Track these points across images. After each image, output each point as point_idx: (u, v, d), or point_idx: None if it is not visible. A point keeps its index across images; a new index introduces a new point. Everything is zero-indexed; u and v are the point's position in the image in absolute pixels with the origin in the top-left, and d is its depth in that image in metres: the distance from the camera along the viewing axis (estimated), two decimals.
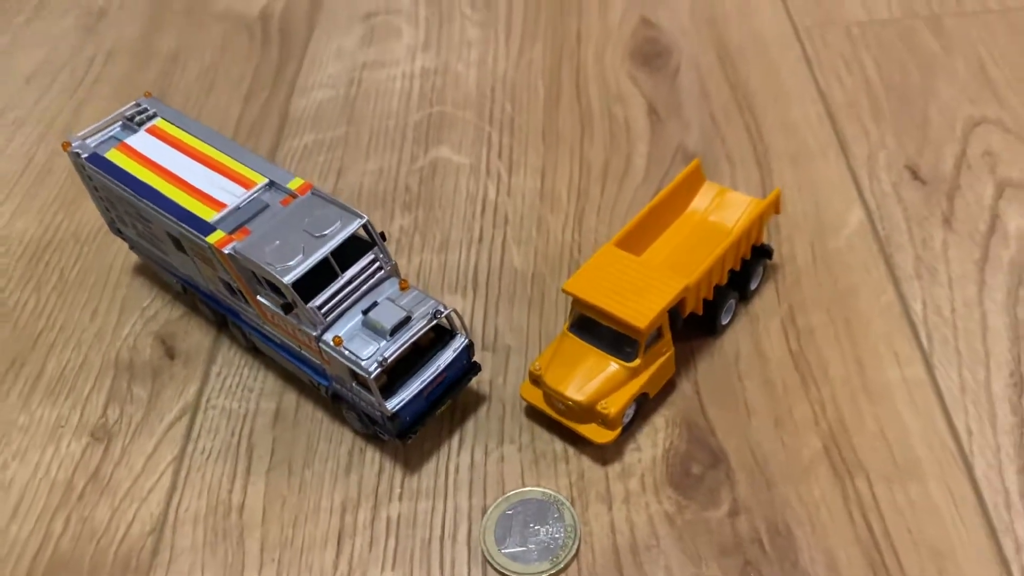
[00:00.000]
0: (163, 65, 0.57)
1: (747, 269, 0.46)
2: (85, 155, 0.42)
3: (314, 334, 0.42)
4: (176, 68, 0.56)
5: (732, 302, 0.46)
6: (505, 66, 0.54)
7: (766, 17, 0.53)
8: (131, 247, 0.46)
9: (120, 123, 0.43)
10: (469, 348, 0.47)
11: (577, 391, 0.47)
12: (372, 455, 0.43)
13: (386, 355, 0.44)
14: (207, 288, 0.42)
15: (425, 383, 0.45)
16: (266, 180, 0.41)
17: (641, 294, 0.47)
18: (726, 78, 0.50)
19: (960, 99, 0.46)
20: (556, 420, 0.48)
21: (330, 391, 0.48)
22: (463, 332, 0.47)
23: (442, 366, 0.46)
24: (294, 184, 0.39)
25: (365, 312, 0.45)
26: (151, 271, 0.44)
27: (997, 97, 0.47)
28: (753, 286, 0.45)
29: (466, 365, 0.49)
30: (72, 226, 0.47)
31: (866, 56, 0.50)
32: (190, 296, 0.44)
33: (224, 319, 0.44)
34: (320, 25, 0.56)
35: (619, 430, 0.48)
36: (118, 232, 0.46)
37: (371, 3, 0.59)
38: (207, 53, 0.57)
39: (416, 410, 0.47)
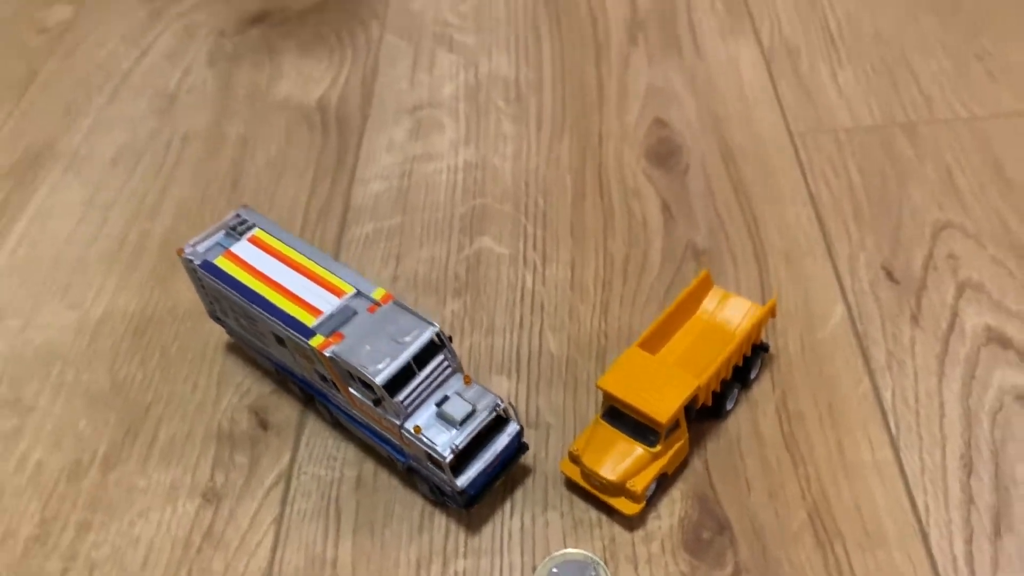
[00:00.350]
0: (234, 151, 0.64)
1: (748, 363, 0.54)
2: (197, 262, 0.49)
3: (397, 423, 0.50)
4: (246, 154, 0.63)
5: (735, 391, 0.54)
6: (536, 161, 0.60)
7: (765, 121, 0.59)
8: (228, 332, 0.53)
9: (224, 231, 0.50)
10: (520, 433, 0.56)
11: (610, 472, 0.54)
12: (440, 519, 0.50)
13: (457, 443, 0.51)
14: (300, 374, 0.49)
15: (487, 463, 0.54)
16: (354, 290, 0.47)
17: (661, 391, 0.54)
18: (729, 178, 0.57)
19: (929, 204, 0.53)
20: (591, 493, 0.54)
21: (406, 466, 0.57)
22: (515, 419, 0.53)
23: (499, 449, 0.53)
24: (377, 294, 0.46)
25: (438, 404, 0.52)
26: (241, 350, 0.51)
27: (961, 203, 0.53)
28: (752, 376, 0.52)
29: (517, 446, 0.55)
30: (168, 303, 0.53)
31: (851, 161, 0.57)
32: (280, 376, 0.51)
33: (311, 397, 0.51)
34: (372, 117, 0.63)
35: (644, 503, 0.54)
36: (217, 319, 0.53)
37: (416, 97, 0.65)
38: (273, 141, 0.64)
39: (479, 484, 0.54)
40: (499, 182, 0.56)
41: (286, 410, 0.47)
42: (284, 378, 0.49)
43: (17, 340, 0.51)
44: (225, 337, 0.50)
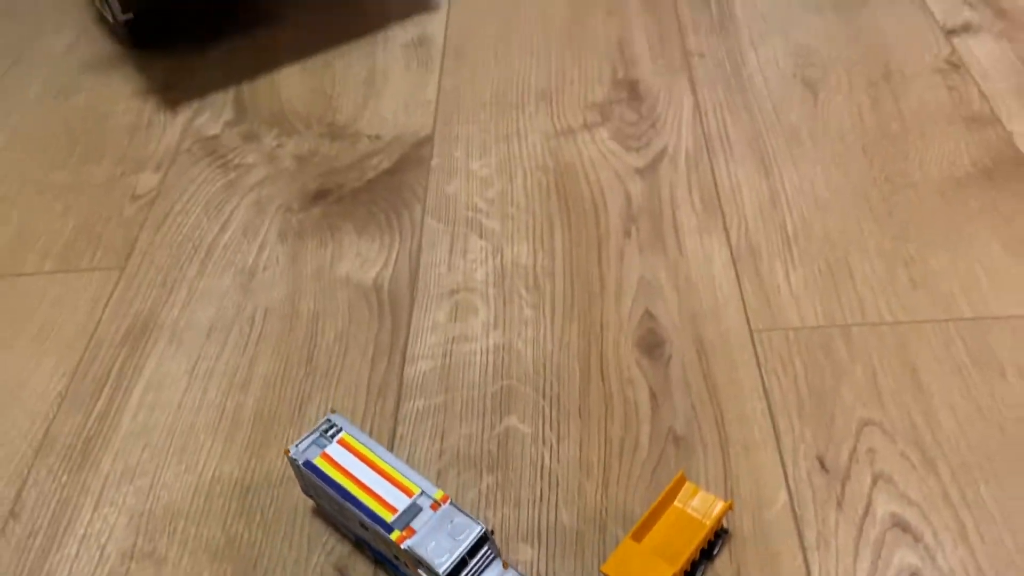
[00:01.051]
0: (307, 326, 0.77)
1: (711, 544, 0.67)
2: (301, 461, 0.63)
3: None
4: (317, 329, 0.76)
5: (703, 566, 0.67)
6: (551, 346, 0.74)
7: (732, 319, 0.73)
8: (315, 504, 0.66)
9: (319, 433, 0.63)
10: None
11: None
12: None
13: None
14: (376, 547, 0.63)
15: None
16: (419, 490, 0.61)
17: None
18: (702, 370, 0.70)
19: (856, 402, 0.66)
20: None
21: None
22: None
23: None
24: (438, 495, 0.59)
25: None
26: (324, 515, 0.64)
27: (881, 403, 0.67)
28: (715, 553, 0.65)
29: None
30: (263, 470, 0.67)
31: (797, 359, 0.71)
32: (357, 541, 0.65)
33: (381, 561, 0.65)
34: (418, 299, 0.76)
35: None
36: (308, 495, 0.67)
37: (453, 280, 0.79)
38: (339, 317, 0.77)
39: None
40: (521, 364, 0.69)
41: (362, 568, 0.61)
42: (363, 545, 0.62)
43: (147, 498, 0.64)
44: (311, 503, 0.63)
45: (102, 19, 1.09)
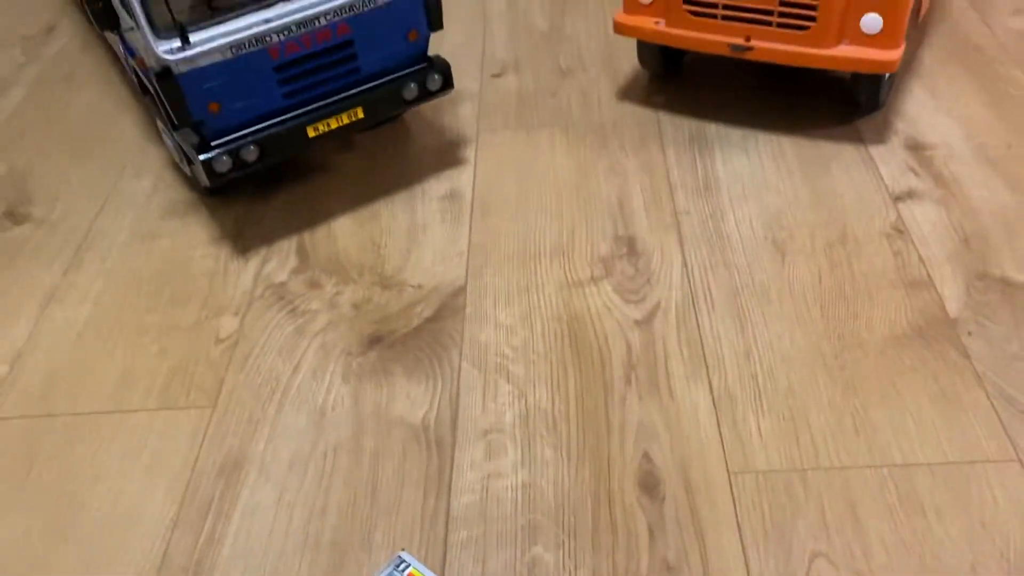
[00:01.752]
0: (370, 461, 0.93)
1: None
2: None
3: None
4: (379, 465, 0.92)
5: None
6: (568, 484, 0.90)
7: (713, 462, 0.88)
8: None
9: (393, 566, 0.79)
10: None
11: None
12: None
13: None
14: None
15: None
16: None
17: None
18: (689, 508, 0.86)
19: (808, 537, 0.83)
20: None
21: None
22: None
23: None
24: None
25: None
26: None
27: (828, 538, 0.83)
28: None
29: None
30: None
31: (764, 499, 0.86)
32: None
33: None
34: (459, 438, 0.93)
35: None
36: None
37: (487, 421, 0.95)
38: (396, 455, 0.93)
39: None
40: (544, 499, 0.86)
41: None
42: None
43: None
44: None
45: (175, 165, 1.27)
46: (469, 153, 1.25)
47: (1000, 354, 0.91)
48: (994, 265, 1.00)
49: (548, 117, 1.30)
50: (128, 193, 1.25)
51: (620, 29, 1.13)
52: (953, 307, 0.96)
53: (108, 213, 1.22)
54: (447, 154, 1.25)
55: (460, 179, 1.21)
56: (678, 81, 1.30)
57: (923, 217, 1.07)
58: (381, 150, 1.26)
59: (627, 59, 1.36)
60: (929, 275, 1.00)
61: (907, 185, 1.12)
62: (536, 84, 1.37)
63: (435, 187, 1.20)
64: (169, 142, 1.16)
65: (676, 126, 1.24)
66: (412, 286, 1.06)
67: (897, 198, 1.10)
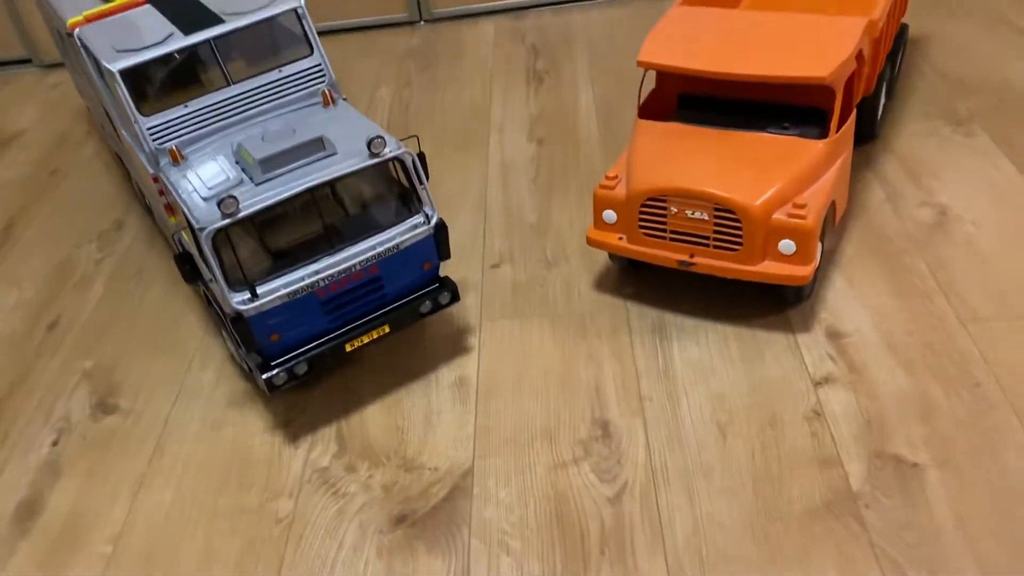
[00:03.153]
0: None
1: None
2: None
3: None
4: None
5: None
6: None
7: None
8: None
9: None
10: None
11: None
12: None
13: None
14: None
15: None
16: None
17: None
18: None
19: None
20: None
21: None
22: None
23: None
24: None
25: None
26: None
27: None
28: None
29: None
30: None
31: None
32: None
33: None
34: None
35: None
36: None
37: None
38: None
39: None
40: None
41: None
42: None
43: None
44: None
45: (233, 358, 1.55)
46: (474, 341, 1.52)
47: (889, 525, 1.16)
48: (889, 444, 1.25)
49: (537, 307, 1.58)
50: (196, 385, 1.52)
51: (591, 242, 1.39)
52: (855, 482, 1.21)
53: (181, 404, 1.49)
54: (456, 342, 1.53)
55: (467, 367, 1.48)
56: (643, 273, 1.58)
57: (836, 401, 1.33)
58: (403, 341, 1.53)
59: (602, 252, 1.65)
60: (838, 454, 1.25)
61: (825, 371, 1.38)
62: (527, 275, 1.65)
63: (446, 375, 1.47)
64: (232, 349, 1.44)
65: (642, 315, 1.52)
66: (429, 469, 1.32)
67: (817, 383, 1.36)
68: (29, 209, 2.02)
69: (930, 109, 1.69)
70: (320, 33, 2.26)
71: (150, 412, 1.49)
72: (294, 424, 1.42)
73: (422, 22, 1.99)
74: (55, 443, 1.46)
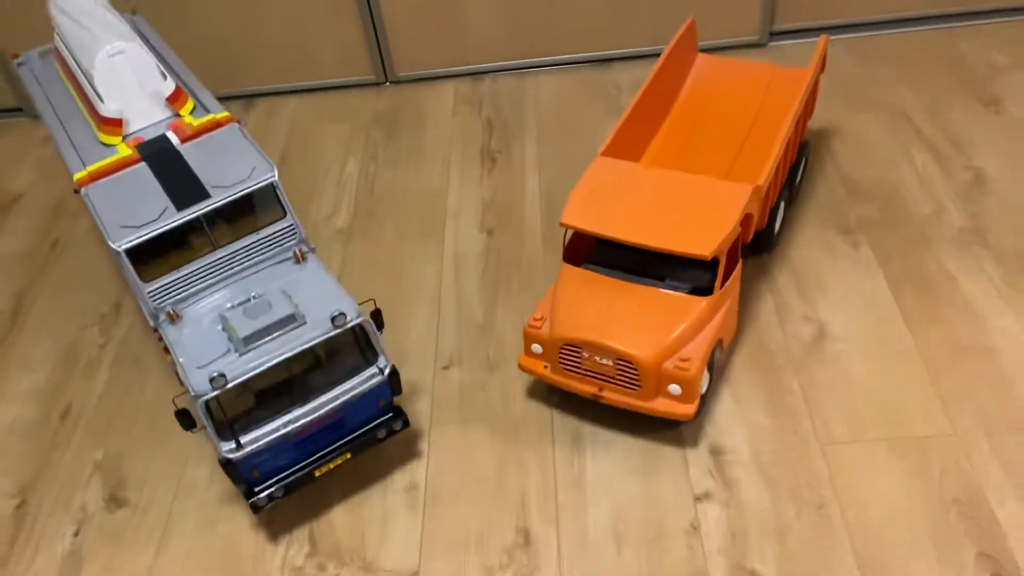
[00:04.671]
0: None
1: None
2: None
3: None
4: None
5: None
6: None
7: None
8: None
9: None
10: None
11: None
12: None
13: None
14: None
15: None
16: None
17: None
18: None
19: None
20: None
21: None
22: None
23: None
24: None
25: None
26: None
27: None
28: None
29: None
30: None
31: None
32: None
33: None
34: None
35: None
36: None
37: None
38: None
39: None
40: None
41: None
42: None
43: None
44: None
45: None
46: (424, 446, 1.81)
47: None
48: (747, 559, 1.57)
49: (480, 412, 1.85)
50: (192, 481, 1.80)
51: (522, 368, 1.66)
52: None
53: (180, 499, 1.78)
54: (409, 447, 1.80)
55: (417, 472, 1.76)
56: None
57: (711, 515, 1.64)
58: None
59: None
60: (706, 567, 1.58)
61: (705, 487, 1.68)
62: (472, 378, 1.92)
63: (400, 479, 1.75)
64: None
65: (563, 425, 1.80)
66: (385, 570, 1.64)
67: (697, 498, 1.67)
68: (34, 286, 2.24)
69: (825, 215, 1.92)
70: (290, 93, 2.51)
71: (155, 508, 1.77)
72: (274, 524, 1.71)
73: (388, 83, 2.17)
74: (76, 533, 1.75)
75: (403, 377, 1.50)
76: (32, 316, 2.17)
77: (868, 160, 2.11)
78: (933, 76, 2.21)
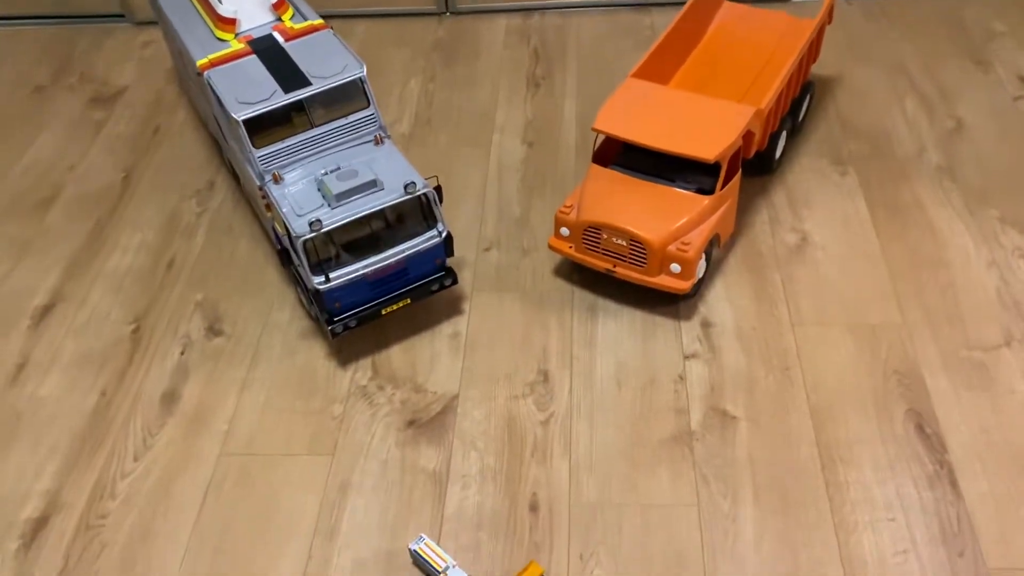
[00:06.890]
0: (406, 480, 1.91)
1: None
2: None
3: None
4: (412, 484, 1.86)
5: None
6: (496, 497, 1.86)
7: (568, 491, 1.84)
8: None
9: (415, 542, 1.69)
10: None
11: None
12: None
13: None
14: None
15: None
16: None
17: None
18: (550, 524, 1.78)
19: None
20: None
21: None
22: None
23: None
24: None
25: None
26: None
27: None
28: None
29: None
30: None
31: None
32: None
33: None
34: (451, 478, 1.92)
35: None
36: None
37: (464, 469, 1.73)
38: (420, 484, 1.90)
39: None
40: (485, 505, 1.80)
41: None
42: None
43: None
44: None
45: (301, 303, 2.25)
46: (466, 306, 2.17)
47: (708, 454, 1.76)
48: (720, 403, 1.91)
49: (513, 285, 2.17)
50: (276, 322, 2.15)
51: (551, 248, 2.03)
52: (694, 425, 1.68)
53: (267, 334, 2.12)
54: (454, 307, 2.15)
55: (460, 325, 2.08)
56: (587, 268, 2.24)
57: (695, 371, 1.87)
58: (419, 304, 2.21)
59: None
60: (688, 406, 1.90)
61: (693, 349, 1.97)
62: (508, 259, 2.23)
63: (446, 328, 2.10)
64: (304, 302, 2.14)
65: (581, 298, 2.15)
66: (431, 392, 1.98)
67: (686, 357, 1.98)
68: (139, 164, 2.64)
69: (822, 148, 2.22)
70: (357, 17, 2.93)
71: (246, 338, 2.11)
72: (343, 354, 2.10)
73: (448, 14, 2.37)
74: (182, 353, 2.16)
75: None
76: (140, 187, 2.54)
77: (865, 105, 2.32)
78: (934, 38, 2.45)
